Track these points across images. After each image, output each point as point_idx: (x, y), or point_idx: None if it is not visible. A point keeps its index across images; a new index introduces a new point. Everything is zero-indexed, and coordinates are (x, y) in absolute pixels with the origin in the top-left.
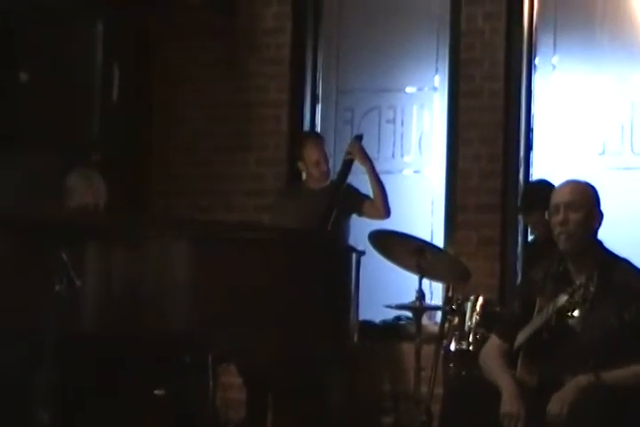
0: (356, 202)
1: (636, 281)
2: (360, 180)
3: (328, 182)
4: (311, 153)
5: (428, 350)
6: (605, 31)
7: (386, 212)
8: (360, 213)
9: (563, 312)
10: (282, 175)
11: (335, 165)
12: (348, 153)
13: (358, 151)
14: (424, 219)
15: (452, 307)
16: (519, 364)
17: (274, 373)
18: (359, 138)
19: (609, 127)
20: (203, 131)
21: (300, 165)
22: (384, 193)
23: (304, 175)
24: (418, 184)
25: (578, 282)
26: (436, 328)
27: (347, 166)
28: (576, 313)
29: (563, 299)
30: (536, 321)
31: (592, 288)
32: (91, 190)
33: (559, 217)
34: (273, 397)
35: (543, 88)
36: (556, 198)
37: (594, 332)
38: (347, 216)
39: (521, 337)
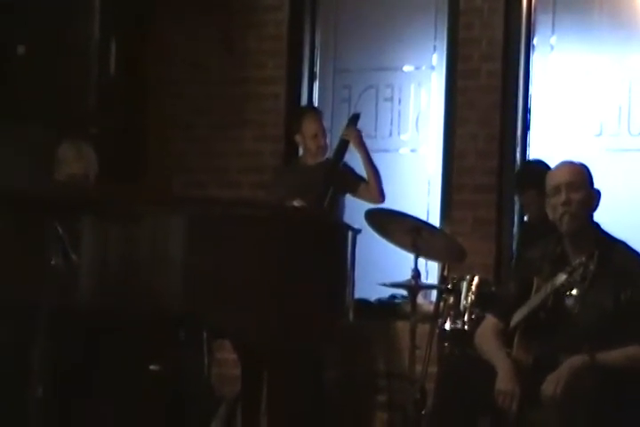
0: (351, 182)
1: (633, 263)
2: (356, 159)
3: (324, 158)
4: (309, 126)
5: (422, 328)
6: (604, 12)
7: (380, 197)
8: (354, 195)
9: (561, 291)
10: (279, 152)
11: (332, 142)
12: (345, 134)
13: (355, 137)
14: (420, 198)
15: (448, 286)
16: (515, 343)
17: (269, 349)
18: (356, 117)
19: (606, 108)
20: (200, 107)
21: (298, 138)
22: (379, 179)
23: (301, 151)
24: (414, 163)
25: (577, 261)
26: (431, 307)
27: (342, 147)
28: (574, 292)
29: (561, 278)
30: (533, 301)
31: (592, 267)
32: (80, 161)
33: (561, 197)
34: (268, 373)
35: (541, 68)
36: (555, 179)
37: (590, 313)
38: (342, 194)
39: (517, 316)
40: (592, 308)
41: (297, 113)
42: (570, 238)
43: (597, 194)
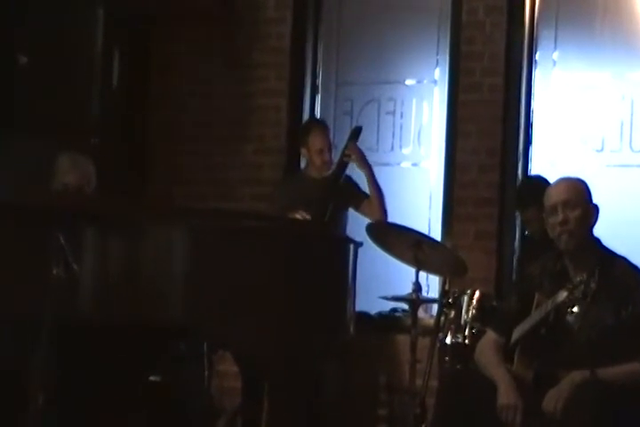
0: (355, 197)
1: (634, 279)
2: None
3: (329, 172)
4: (316, 141)
5: (423, 342)
6: (606, 28)
7: (383, 215)
8: (357, 210)
9: (562, 308)
10: (280, 165)
11: (335, 156)
12: (347, 155)
13: (358, 157)
14: (422, 211)
15: (449, 300)
16: (516, 358)
17: (270, 362)
18: (358, 131)
19: (608, 124)
20: (202, 119)
21: (303, 151)
22: (382, 198)
23: (303, 163)
24: (416, 177)
25: (579, 278)
26: (431, 321)
27: (342, 166)
28: (575, 309)
29: (563, 295)
30: (534, 316)
31: (593, 285)
32: (74, 172)
33: (559, 217)
34: (268, 386)
35: (543, 83)
36: (551, 199)
37: (591, 330)
38: (345, 208)
39: (518, 332)
40: (593, 324)
41: (305, 126)
42: (569, 255)
43: (596, 209)
